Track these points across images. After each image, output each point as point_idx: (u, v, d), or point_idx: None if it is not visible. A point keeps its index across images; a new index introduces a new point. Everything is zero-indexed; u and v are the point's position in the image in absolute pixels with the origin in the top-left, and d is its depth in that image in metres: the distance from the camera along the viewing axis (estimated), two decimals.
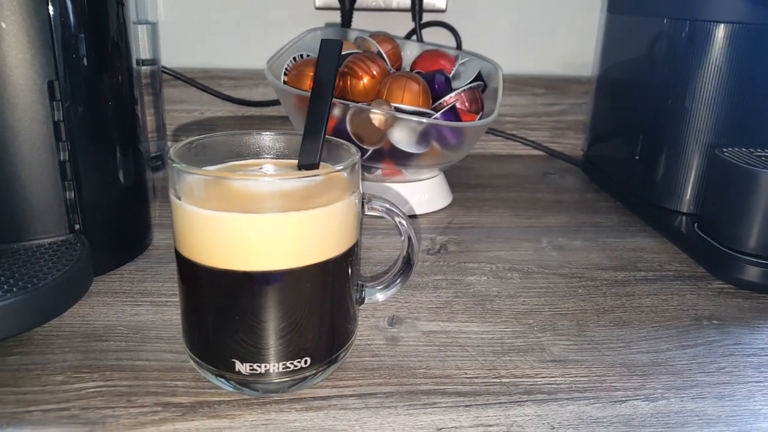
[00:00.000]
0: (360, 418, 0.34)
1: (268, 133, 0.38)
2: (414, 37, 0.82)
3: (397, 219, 0.37)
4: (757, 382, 0.38)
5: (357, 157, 0.34)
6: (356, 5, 0.81)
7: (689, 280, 0.51)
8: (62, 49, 0.43)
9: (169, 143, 0.82)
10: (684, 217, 0.59)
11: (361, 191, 0.36)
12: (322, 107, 0.35)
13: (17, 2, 0.40)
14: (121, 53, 0.48)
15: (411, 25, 0.82)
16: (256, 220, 0.31)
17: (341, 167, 0.33)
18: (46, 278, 0.40)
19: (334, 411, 0.34)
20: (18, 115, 0.42)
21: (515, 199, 0.69)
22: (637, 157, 0.64)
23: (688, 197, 0.59)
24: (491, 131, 0.85)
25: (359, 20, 0.82)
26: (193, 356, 0.36)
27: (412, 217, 0.63)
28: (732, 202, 0.50)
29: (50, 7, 0.42)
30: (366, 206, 0.36)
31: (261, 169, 0.37)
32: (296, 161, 0.36)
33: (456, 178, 0.74)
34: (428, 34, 0.84)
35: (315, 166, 0.35)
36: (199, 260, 0.32)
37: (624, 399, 0.36)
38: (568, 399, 0.36)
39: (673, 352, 0.41)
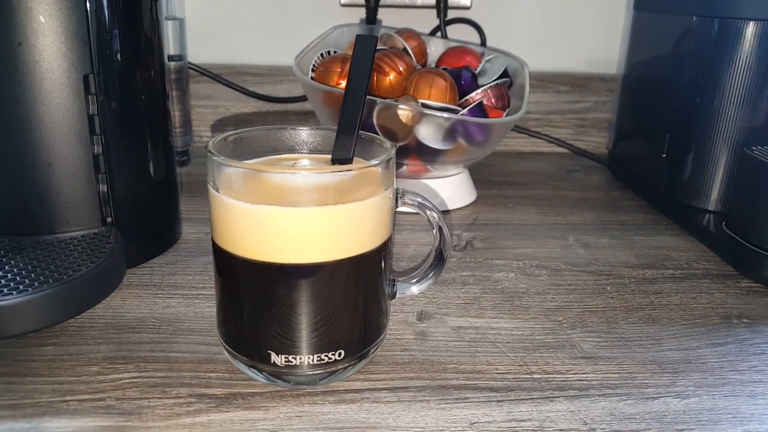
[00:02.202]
0: (393, 411, 0.34)
1: (302, 128, 0.39)
2: (439, 33, 0.82)
3: (429, 213, 0.37)
4: None
5: (392, 152, 0.35)
6: (381, 2, 0.81)
7: (717, 278, 0.51)
8: (98, 43, 0.43)
9: (196, 138, 0.83)
10: (711, 216, 0.58)
11: (395, 186, 0.36)
12: (356, 102, 0.35)
13: None
14: (153, 48, 0.49)
15: (435, 22, 0.82)
16: (294, 213, 0.31)
17: (377, 162, 0.33)
18: (80, 270, 0.41)
19: (367, 404, 0.34)
20: (54, 108, 0.43)
21: (540, 197, 0.69)
22: (664, 155, 0.63)
23: (715, 195, 0.58)
24: (515, 128, 0.85)
25: (384, 17, 0.82)
26: (228, 347, 0.36)
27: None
28: (761, 200, 0.49)
29: (87, 2, 0.42)
30: (400, 201, 0.36)
31: (296, 163, 0.37)
32: (330, 156, 0.36)
33: (480, 175, 0.74)
34: (453, 30, 0.84)
35: (349, 161, 0.35)
36: (236, 252, 0.33)
37: (656, 396, 0.36)
38: (599, 395, 0.36)
39: (703, 350, 0.41)
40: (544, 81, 0.85)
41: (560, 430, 0.33)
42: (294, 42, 0.71)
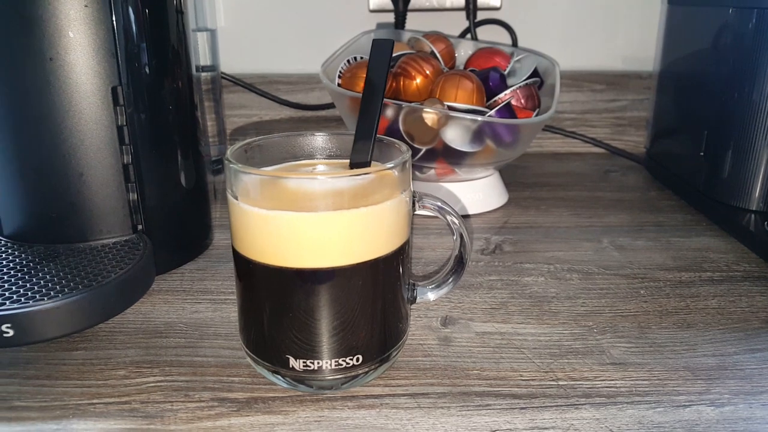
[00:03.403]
0: (412, 418, 0.33)
1: (320, 134, 0.39)
2: (468, 35, 0.81)
3: (449, 218, 0.37)
4: None
5: (407, 155, 0.34)
6: (410, 6, 0.81)
7: (759, 280, 0.48)
8: (125, 56, 0.44)
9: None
10: (753, 215, 0.56)
11: (412, 189, 0.35)
12: (373, 107, 0.35)
13: (83, 13, 0.42)
14: (180, 60, 0.50)
15: (465, 24, 0.82)
16: (309, 218, 0.31)
17: (391, 165, 0.33)
18: (110, 276, 0.42)
19: (386, 410, 0.34)
20: (84, 120, 0.44)
21: (575, 198, 0.68)
22: (702, 154, 0.61)
23: (757, 194, 0.56)
24: (549, 129, 0.84)
25: (413, 21, 0.82)
26: (249, 352, 0.36)
27: (466, 216, 0.63)
28: None
29: (113, 17, 0.43)
30: (417, 204, 0.36)
31: (314, 169, 0.37)
32: (348, 161, 0.36)
33: (512, 177, 0.73)
34: (483, 31, 0.83)
35: (366, 165, 0.35)
36: (255, 257, 0.33)
37: (688, 404, 0.34)
38: (628, 403, 0.34)
39: (741, 356, 0.39)
40: (579, 80, 0.84)
41: None
42: (324, 50, 0.71)
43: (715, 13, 0.59)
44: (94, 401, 0.35)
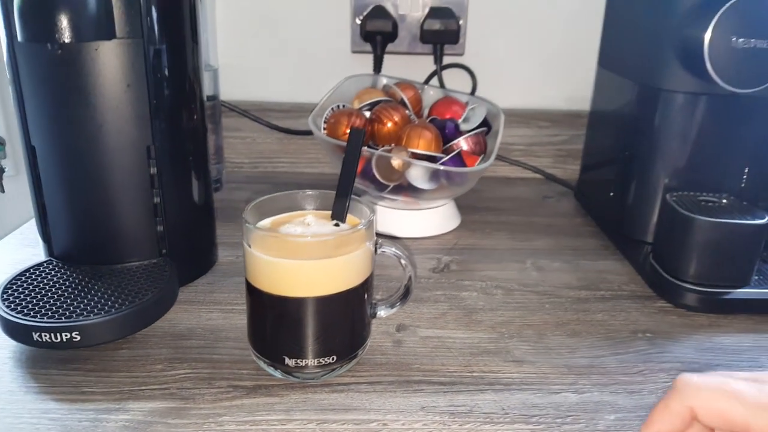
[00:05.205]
0: (369, 398, 0.48)
1: (310, 192, 0.53)
2: (435, 79, 0.95)
3: (402, 261, 0.51)
4: (664, 382, 0.50)
5: (373, 216, 0.48)
6: (386, 50, 0.95)
7: (638, 299, 0.63)
8: (157, 121, 0.57)
9: (228, 165, 0.97)
10: (646, 246, 0.71)
11: (375, 239, 0.50)
12: (349, 178, 0.49)
13: (127, 90, 0.55)
14: (198, 115, 0.62)
15: (433, 67, 0.96)
16: (301, 264, 0.46)
17: (361, 226, 0.47)
18: (147, 294, 0.54)
19: (351, 393, 0.48)
20: (124, 171, 0.57)
21: (514, 223, 0.81)
22: (611, 194, 0.76)
23: (650, 230, 0.71)
24: (500, 158, 0.98)
25: (389, 63, 0.96)
26: (255, 352, 0.51)
27: (424, 238, 0.77)
28: (674, 239, 0.62)
29: (149, 94, 0.56)
30: (378, 250, 0.50)
31: (305, 219, 0.51)
32: (329, 212, 0.50)
33: (467, 201, 0.85)
34: (449, 74, 0.97)
35: (343, 221, 0.49)
36: (262, 288, 0.47)
37: (559, 391, 0.49)
38: (518, 389, 0.49)
39: (606, 358, 0.53)
40: (527, 117, 0.98)
41: (484, 413, 0.46)
42: (312, 83, 0.83)
43: (627, 83, 0.74)
44: (143, 387, 0.48)
